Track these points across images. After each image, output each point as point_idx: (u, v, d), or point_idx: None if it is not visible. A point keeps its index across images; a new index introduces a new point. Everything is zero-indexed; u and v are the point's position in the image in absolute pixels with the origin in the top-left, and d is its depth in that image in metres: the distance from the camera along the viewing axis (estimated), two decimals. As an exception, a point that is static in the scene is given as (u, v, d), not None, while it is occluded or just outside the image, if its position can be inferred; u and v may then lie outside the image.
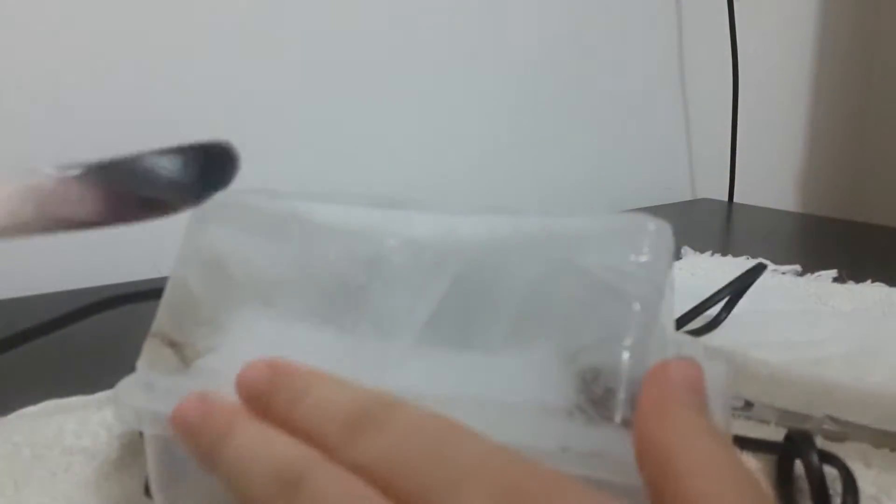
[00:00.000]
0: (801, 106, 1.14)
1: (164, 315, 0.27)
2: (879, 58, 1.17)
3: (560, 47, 0.90)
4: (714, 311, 0.51)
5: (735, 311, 0.52)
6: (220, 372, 0.25)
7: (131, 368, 0.27)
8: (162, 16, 0.67)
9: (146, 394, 0.26)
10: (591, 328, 0.24)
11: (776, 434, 0.35)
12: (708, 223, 0.91)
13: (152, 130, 0.67)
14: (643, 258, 0.25)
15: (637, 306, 0.24)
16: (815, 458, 0.32)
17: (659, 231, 0.26)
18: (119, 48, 0.65)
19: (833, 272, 0.63)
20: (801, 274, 0.64)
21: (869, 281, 0.61)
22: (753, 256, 0.67)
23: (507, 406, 0.23)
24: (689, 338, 0.30)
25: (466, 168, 0.85)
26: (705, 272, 0.51)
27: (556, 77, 0.90)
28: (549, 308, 0.25)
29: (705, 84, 1.03)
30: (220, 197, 0.30)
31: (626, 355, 0.23)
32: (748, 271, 0.53)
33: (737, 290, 0.52)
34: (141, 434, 0.27)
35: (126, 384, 0.27)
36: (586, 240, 0.26)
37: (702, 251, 0.69)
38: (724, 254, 0.68)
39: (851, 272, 0.63)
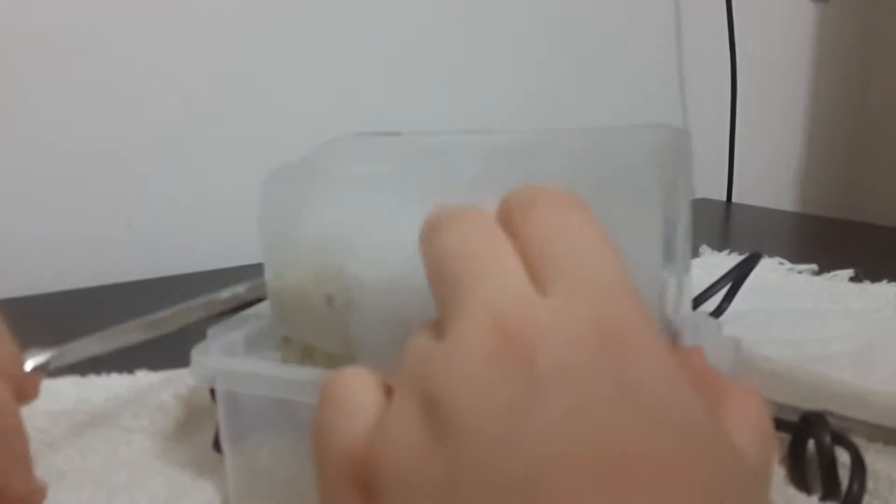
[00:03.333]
0: (799, 106, 1.18)
1: None
2: (877, 57, 1.21)
3: (557, 48, 0.93)
4: (713, 303, 0.53)
5: (745, 307, 0.54)
6: None
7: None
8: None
9: (220, 354, 0.30)
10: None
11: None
12: (706, 223, 0.94)
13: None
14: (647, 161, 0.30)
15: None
16: (826, 439, 0.34)
17: (668, 139, 0.33)
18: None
19: (849, 272, 0.65)
20: (818, 273, 0.66)
21: (885, 281, 0.63)
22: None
23: None
24: (704, 314, 0.34)
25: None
26: (720, 270, 0.55)
27: (553, 77, 0.93)
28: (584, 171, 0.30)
29: (703, 84, 1.06)
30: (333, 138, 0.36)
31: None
32: (743, 262, 0.55)
33: (735, 280, 0.54)
34: (212, 391, 0.30)
35: (201, 347, 0.31)
36: (616, 131, 0.34)
37: (701, 251, 0.72)
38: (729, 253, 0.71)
39: (865, 271, 0.65)
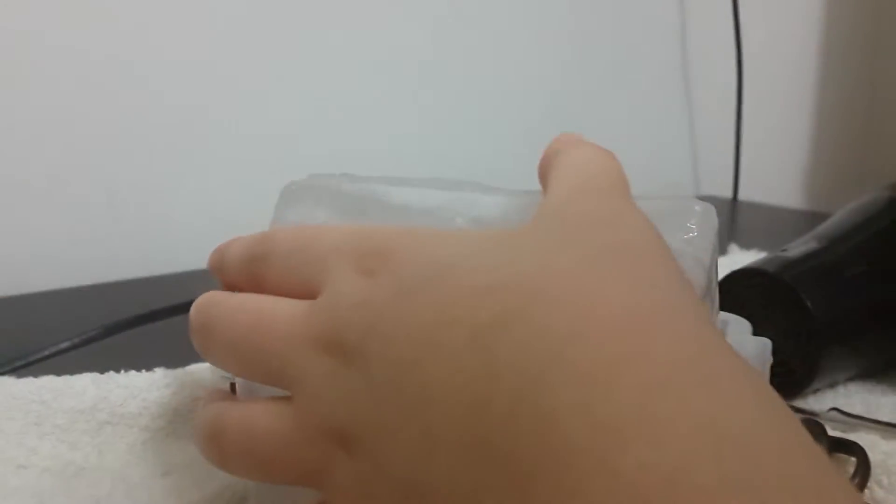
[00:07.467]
0: (805, 102, 1.20)
1: None
2: (885, 53, 1.23)
3: (562, 44, 0.95)
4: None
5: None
6: None
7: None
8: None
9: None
10: None
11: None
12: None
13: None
14: (689, 236, 0.31)
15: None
16: (824, 444, 0.36)
17: (704, 212, 0.32)
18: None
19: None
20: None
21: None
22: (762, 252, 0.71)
23: None
24: (734, 316, 0.36)
25: (468, 168, 0.90)
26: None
27: (559, 73, 0.95)
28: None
29: (709, 80, 1.08)
30: (303, 180, 0.33)
31: None
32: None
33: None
34: (232, 386, 0.32)
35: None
36: None
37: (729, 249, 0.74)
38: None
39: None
